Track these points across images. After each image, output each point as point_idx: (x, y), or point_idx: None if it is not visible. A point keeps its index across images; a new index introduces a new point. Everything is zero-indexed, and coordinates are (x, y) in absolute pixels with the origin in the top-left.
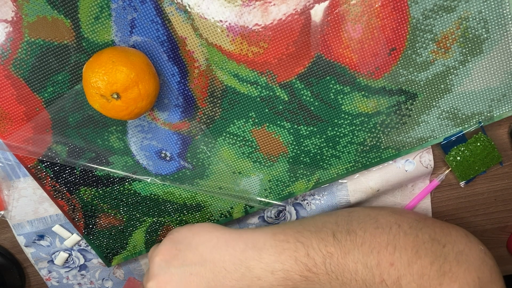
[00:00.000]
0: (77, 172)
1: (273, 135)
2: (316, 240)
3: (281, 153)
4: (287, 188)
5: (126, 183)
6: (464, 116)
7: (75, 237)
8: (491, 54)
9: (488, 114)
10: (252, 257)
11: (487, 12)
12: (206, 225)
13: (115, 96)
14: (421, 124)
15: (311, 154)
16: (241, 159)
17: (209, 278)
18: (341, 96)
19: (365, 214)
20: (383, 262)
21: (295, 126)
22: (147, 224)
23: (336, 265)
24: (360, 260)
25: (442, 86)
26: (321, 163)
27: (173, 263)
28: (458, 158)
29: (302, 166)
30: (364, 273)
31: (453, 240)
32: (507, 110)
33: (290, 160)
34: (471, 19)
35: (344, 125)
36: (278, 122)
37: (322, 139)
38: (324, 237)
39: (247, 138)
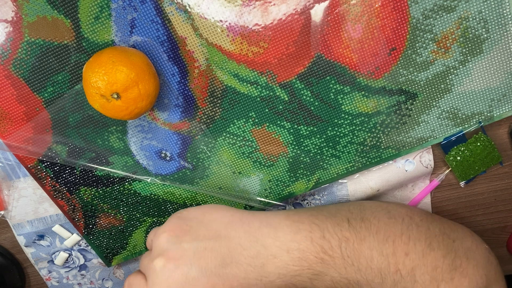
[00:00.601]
0: (77, 172)
1: (273, 135)
2: (331, 224)
3: (281, 153)
4: (287, 188)
5: (126, 183)
6: (464, 116)
7: (75, 237)
8: (491, 54)
9: (488, 114)
10: (268, 234)
11: (487, 12)
12: (217, 205)
13: (115, 96)
14: (421, 124)
15: (311, 154)
16: (241, 159)
17: (224, 253)
18: (341, 96)
19: (376, 205)
20: (398, 251)
21: (295, 126)
22: (147, 224)
23: (352, 250)
24: (375, 248)
25: (442, 86)
26: (321, 163)
27: (184, 239)
28: (458, 158)
29: (302, 166)
30: (379, 261)
31: (460, 236)
32: (507, 110)
33: (290, 160)
34: (471, 19)
35: (344, 125)
36: (278, 122)
37: (322, 139)
38: (339, 222)
39: (247, 138)
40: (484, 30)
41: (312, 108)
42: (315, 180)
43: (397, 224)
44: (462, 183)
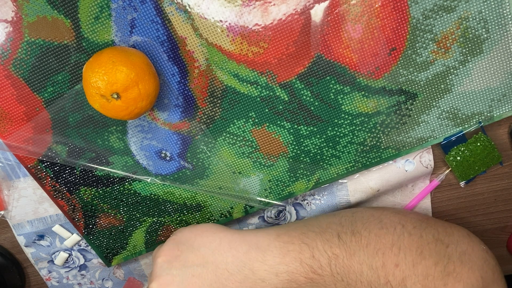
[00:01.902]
0: (77, 172)
1: (273, 135)
2: (321, 242)
3: (281, 153)
4: (287, 188)
5: (126, 183)
6: (464, 116)
7: (75, 237)
8: (491, 54)
9: (488, 114)
10: (256, 258)
11: (487, 12)
12: (209, 226)
13: (115, 96)
14: (421, 124)
15: (311, 154)
16: (241, 159)
17: (211, 280)
18: (341, 96)
19: (369, 214)
20: (388, 263)
21: (295, 126)
22: (147, 224)
23: (342, 266)
24: (365, 262)
25: (442, 86)
26: (321, 163)
27: (174, 265)
28: (458, 158)
29: (302, 166)
30: (369, 275)
31: (456, 240)
32: (507, 110)
33: (290, 160)
34: (471, 19)
35: (344, 125)
36: (278, 122)
37: (322, 139)
38: (329, 238)
39: (247, 138)
40: (484, 30)
41: (312, 108)
42: (315, 180)
43: (388, 235)
44: (462, 183)
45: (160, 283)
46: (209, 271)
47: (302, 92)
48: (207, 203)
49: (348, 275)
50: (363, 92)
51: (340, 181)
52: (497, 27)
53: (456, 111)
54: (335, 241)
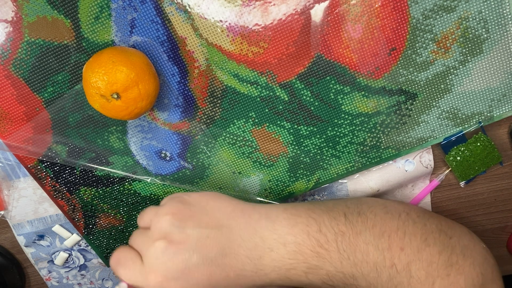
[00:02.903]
0: (77, 172)
1: (273, 135)
2: (328, 218)
3: (281, 153)
4: (287, 188)
5: (126, 183)
6: (464, 116)
7: (75, 237)
8: (491, 54)
9: (488, 114)
10: (266, 227)
11: (487, 12)
12: (219, 193)
13: (115, 96)
14: (421, 124)
15: (311, 154)
16: (241, 159)
17: (224, 244)
18: (341, 96)
19: (374, 201)
20: (394, 246)
21: (295, 126)
22: None
23: (348, 244)
24: (371, 242)
25: (442, 86)
26: (321, 163)
27: (188, 224)
28: (458, 158)
29: (302, 166)
30: (375, 256)
31: (458, 234)
32: (507, 110)
33: (290, 160)
34: (471, 19)
35: (344, 125)
36: (278, 122)
37: (322, 139)
38: (336, 216)
39: (247, 138)
40: (484, 30)
41: (312, 108)
42: (315, 180)
43: (393, 220)
44: (462, 183)
45: (172, 241)
46: (223, 234)
47: (302, 92)
48: None
49: (354, 254)
50: (363, 92)
51: (340, 181)
52: (497, 27)
53: (456, 111)
54: (341, 219)
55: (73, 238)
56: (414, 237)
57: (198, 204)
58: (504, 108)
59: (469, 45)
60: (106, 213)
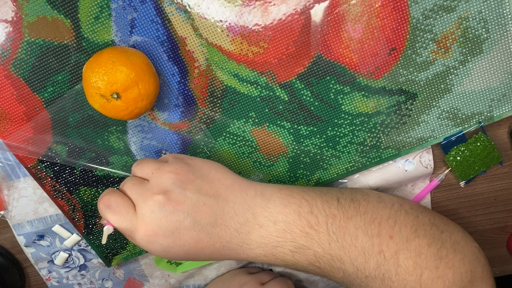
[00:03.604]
0: (77, 172)
1: (273, 135)
2: (320, 201)
3: (281, 153)
4: None
5: None
6: (464, 116)
7: (75, 237)
8: (491, 54)
9: (488, 114)
10: (260, 204)
11: (487, 12)
12: (220, 164)
13: (115, 96)
14: (421, 124)
15: (311, 154)
16: (241, 159)
17: (218, 214)
18: (341, 96)
19: (368, 191)
20: (383, 234)
21: (295, 126)
22: None
23: (338, 227)
24: (361, 227)
25: (442, 86)
26: (321, 163)
27: (188, 187)
28: (458, 158)
29: (302, 166)
30: (364, 241)
31: (451, 230)
32: (507, 110)
33: (290, 160)
34: (471, 19)
35: (344, 125)
36: (278, 122)
37: (322, 139)
38: (329, 200)
39: (247, 138)
40: (484, 30)
41: (312, 108)
42: (315, 180)
43: (385, 208)
44: (462, 183)
45: (171, 199)
46: (219, 205)
47: (302, 92)
48: None
49: (343, 237)
50: (363, 92)
51: (340, 181)
52: (497, 27)
53: (456, 111)
54: (334, 203)
55: (73, 238)
56: (405, 227)
57: (201, 170)
58: (504, 108)
59: (469, 45)
60: None
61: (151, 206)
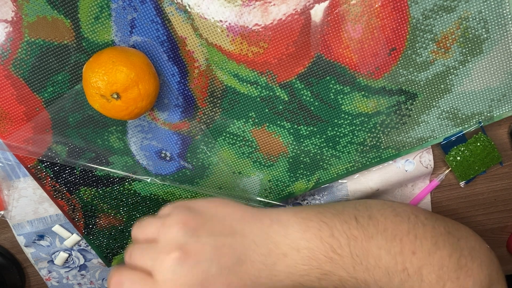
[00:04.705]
0: (77, 172)
1: (273, 135)
2: (339, 222)
3: (281, 153)
4: (287, 188)
5: (126, 183)
6: (464, 116)
7: (75, 237)
8: (491, 54)
9: (488, 114)
10: (279, 232)
11: (487, 12)
12: (225, 199)
13: (115, 96)
14: (421, 124)
15: (311, 154)
16: (241, 159)
17: (239, 251)
18: (341, 96)
19: (381, 203)
20: (406, 250)
21: (295, 126)
22: None
23: (361, 248)
24: (383, 246)
25: (442, 86)
26: (321, 163)
27: (202, 232)
28: (458, 158)
29: (302, 166)
30: (387, 260)
31: (465, 236)
32: (507, 110)
33: (290, 160)
34: (471, 19)
35: (344, 125)
36: (278, 122)
37: (322, 139)
38: (347, 219)
39: (247, 138)
40: (484, 30)
41: (312, 108)
42: (315, 180)
43: (403, 223)
44: (462, 183)
45: (189, 251)
46: (237, 241)
47: (302, 92)
48: None
49: (367, 259)
50: (363, 92)
51: (340, 181)
52: (497, 27)
53: (456, 111)
54: (353, 223)
55: (73, 238)
56: (425, 240)
57: (207, 211)
58: (504, 108)
59: (469, 45)
60: (106, 213)
61: (170, 266)
